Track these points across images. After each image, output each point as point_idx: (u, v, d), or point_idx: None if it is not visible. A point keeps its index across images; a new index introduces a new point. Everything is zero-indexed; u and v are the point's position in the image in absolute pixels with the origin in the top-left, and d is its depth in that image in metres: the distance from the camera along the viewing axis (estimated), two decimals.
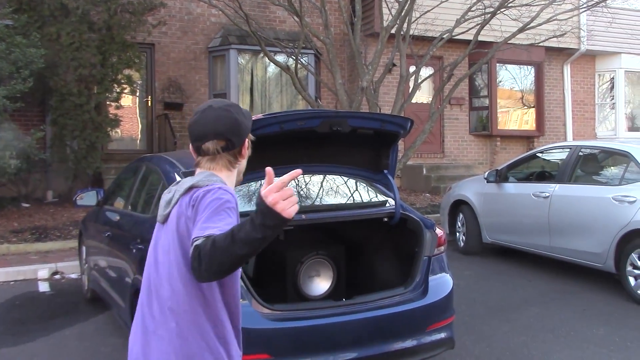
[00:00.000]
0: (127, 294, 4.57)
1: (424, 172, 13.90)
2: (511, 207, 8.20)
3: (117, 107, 11.45)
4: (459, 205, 9.16)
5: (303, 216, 4.01)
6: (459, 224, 9.17)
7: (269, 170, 1.80)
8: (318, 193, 4.59)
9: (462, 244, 9.05)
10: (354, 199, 4.65)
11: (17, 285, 7.54)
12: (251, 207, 4.24)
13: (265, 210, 1.73)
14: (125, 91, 11.49)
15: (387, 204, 4.50)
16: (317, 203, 4.47)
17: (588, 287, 7.11)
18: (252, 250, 1.78)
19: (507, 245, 8.32)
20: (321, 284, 4.50)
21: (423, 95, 14.51)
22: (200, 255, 1.80)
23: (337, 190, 4.67)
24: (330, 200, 4.58)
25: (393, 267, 4.52)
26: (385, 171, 4.42)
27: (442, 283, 4.21)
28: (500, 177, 8.51)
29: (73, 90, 10.48)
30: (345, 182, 4.71)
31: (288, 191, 1.76)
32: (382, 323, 3.85)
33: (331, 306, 3.81)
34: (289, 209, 1.74)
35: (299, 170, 1.85)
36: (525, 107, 15.99)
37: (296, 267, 4.38)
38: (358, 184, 4.73)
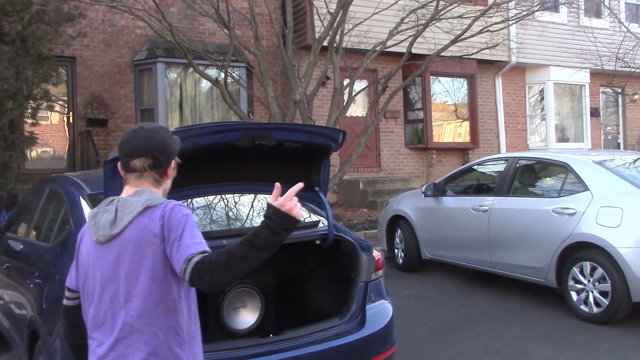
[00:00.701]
0: (25, 335, 3.99)
1: (361, 186, 13.61)
2: (450, 222, 7.95)
3: (34, 124, 10.66)
4: (397, 221, 8.87)
5: (224, 242, 3.55)
6: (398, 240, 8.88)
7: (277, 185, 2.22)
8: (242, 215, 4.14)
9: (400, 260, 8.76)
10: None
11: None
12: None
13: (284, 217, 2.09)
14: (42, 107, 10.71)
15: (320, 225, 4.10)
16: (239, 226, 4.01)
17: (530, 303, 6.89)
18: (269, 253, 2.12)
19: (446, 261, 8.06)
20: (247, 317, 4.04)
21: (358, 109, 14.27)
22: (211, 267, 2.03)
23: (263, 210, 4.23)
24: (256, 222, 4.13)
25: (327, 295, 4.11)
26: (317, 188, 4.02)
27: (380, 311, 3.83)
28: (438, 190, 8.27)
29: None
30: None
31: (295, 200, 2.16)
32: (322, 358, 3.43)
33: (256, 344, 3.37)
34: (298, 213, 2.14)
35: (301, 184, 2.27)
36: (460, 119, 15.98)
37: (219, 299, 3.92)
38: None
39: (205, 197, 3.94)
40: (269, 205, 2.12)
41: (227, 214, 4.03)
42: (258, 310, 4.07)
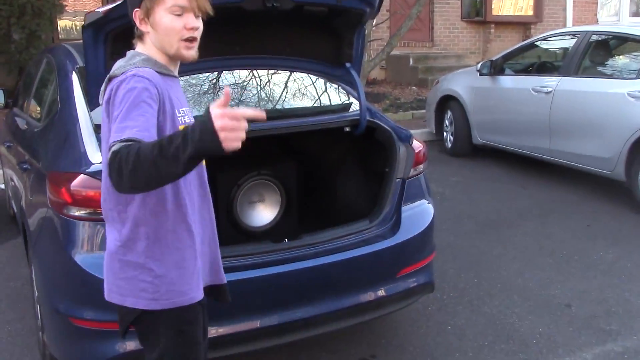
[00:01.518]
0: (19, 224, 3.59)
1: (411, 62, 12.67)
2: (507, 104, 7.14)
3: None
4: (448, 101, 8.09)
5: None
6: (447, 122, 8.15)
7: (227, 90, 1.61)
8: (257, 95, 3.49)
9: (449, 144, 8.07)
10: (305, 102, 3.57)
11: None
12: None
13: (207, 131, 1.53)
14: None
15: (351, 109, 3.44)
16: (255, 108, 3.38)
17: (592, 197, 6.18)
18: (183, 170, 1.60)
19: (500, 147, 7.33)
20: (265, 213, 3.51)
21: None
22: (122, 164, 1.59)
23: (283, 90, 3.56)
24: (273, 104, 3.49)
25: (358, 192, 3.52)
26: (348, 65, 3.32)
27: (419, 213, 3.23)
28: (495, 69, 7.40)
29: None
30: (294, 80, 3.60)
31: (241, 124, 1.55)
32: (337, 271, 2.90)
33: (268, 250, 2.83)
34: (231, 142, 1.54)
35: (263, 115, 1.65)
36: None
37: (231, 192, 3.38)
38: (311, 82, 3.61)
39: (206, 74, 3.29)
40: (206, 109, 1.58)
41: (233, 93, 3.38)
42: (278, 206, 3.54)
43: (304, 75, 3.54)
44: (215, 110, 1.54)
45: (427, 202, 3.33)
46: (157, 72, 1.88)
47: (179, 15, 1.88)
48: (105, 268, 1.99)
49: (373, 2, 3.00)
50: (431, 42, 13.77)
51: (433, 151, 8.19)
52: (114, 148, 1.63)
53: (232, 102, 3.31)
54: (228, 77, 3.42)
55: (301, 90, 3.57)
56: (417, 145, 3.30)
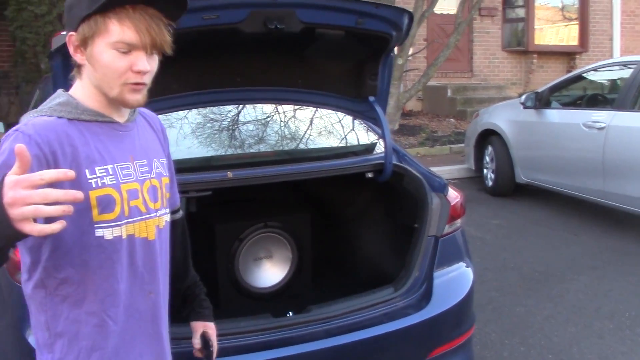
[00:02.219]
0: None
1: (449, 93, 12.12)
2: (554, 140, 6.50)
3: None
4: (488, 136, 7.49)
5: (229, 173, 2.44)
6: (488, 158, 7.53)
7: (19, 148, 1.09)
8: (262, 134, 2.97)
9: (490, 182, 7.44)
10: (320, 142, 3.05)
11: None
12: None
13: None
14: None
15: (374, 151, 2.90)
16: (257, 150, 2.87)
17: None
18: None
19: (547, 187, 6.68)
20: (272, 271, 3.00)
21: (449, 4, 12.51)
22: None
23: (294, 128, 3.05)
24: (282, 144, 2.98)
25: (380, 252, 2.97)
26: (372, 98, 2.79)
27: (455, 280, 2.65)
28: (541, 101, 6.79)
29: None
30: (307, 116, 3.09)
31: (41, 195, 1.08)
32: (354, 355, 2.33)
33: (268, 328, 2.28)
34: (26, 225, 1.08)
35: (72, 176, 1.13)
36: (567, 19, 13.89)
37: (232, 246, 2.86)
38: (327, 118, 3.10)
39: (199, 109, 2.80)
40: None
41: (231, 132, 2.88)
42: (288, 264, 3.01)
43: (319, 110, 3.02)
44: (8, 179, 1.09)
45: (465, 264, 2.75)
46: (85, 120, 1.41)
47: (124, 52, 1.38)
48: None
49: (400, 24, 2.47)
50: (470, 73, 13.20)
51: (472, 190, 7.60)
52: None
53: (233, 143, 2.81)
54: (227, 113, 2.92)
55: (315, 128, 3.06)
56: (453, 195, 2.74)
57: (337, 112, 3.00)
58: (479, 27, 13.07)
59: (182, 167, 2.19)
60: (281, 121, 3.02)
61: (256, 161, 2.68)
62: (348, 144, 3.04)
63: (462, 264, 2.73)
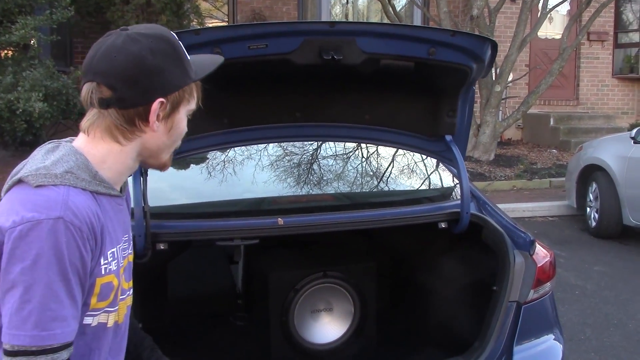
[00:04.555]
0: None
1: (552, 122, 11.42)
2: None
3: None
4: (593, 172, 6.87)
5: (280, 220, 2.17)
6: (591, 196, 6.90)
7: None
8: (324, 175, 2.68)
9: (593, 223, 6.79)
10: (388, 186, 2.72)
11: None
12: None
13: None
14: (193, 23, 9.94)
15: (451, 198, 2.55)
16: (314, 193, 2.58)
17: None
18: None
19: None
20: (331, 327, 2.68)
21: (554, 28, 11.86)
22: None
23: (359, 170, 2.74)
24: (346, 187, 2.68)
25: (452, 314, 2.59)
26: (449, 138, 2.44)
27: (541, 355, 2.24)
28: None
29: (130, 22, 9.05)
30: (374, 157, 2.77)
31: None
32: None
33: None
34: None
35: None
36: None
37: (287, 297, 2.58)
38: (397, 160, 2.77)
39: (247, 147, 2.55)
40: None
41: (287, 172, 2.61)
42: (349, 319, 2.69)
43: (388, 150, 2.70)
44: None
45: (553, 337, 2.33)
46: (96, 192, 1.24)
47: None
48: None
49: (481, 54, 2.13)
50: (576, 101, 12.42)
51: (572, 230, 6.99)
52: None
53: (288, 184, 2.54)
54: (283, 151, 2.66)
55: (383, 169, 2.74)
56: (541, 254, 2.33)
57: (408, 152, 2.67)
58: (587, 52, 12.31)
59: (228, 210, 1.95)
60: (344, 161, 2.73)
61: (312, 206, 2.40)
62: (420, 189, 2.71)
63: (549, 337, 2.31)
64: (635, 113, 12.50)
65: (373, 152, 2.77)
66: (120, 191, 1.32)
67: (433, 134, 2.47)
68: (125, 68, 1.21)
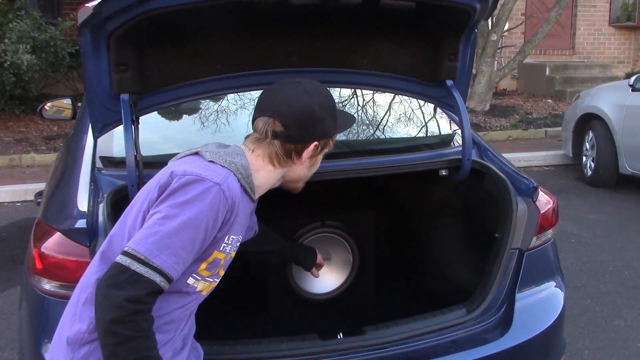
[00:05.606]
0: None
1: (547, 72, 11.31)
2: None
3: None
4: (589, 121, 6.82)
5: None
6: (587, 145, 6.87)
7: None
8: None
9: (589, 172, 6.79)
10: (387, 133, 2.66)
11: (20, 209, 6.24)
12: None
13: None
14: None
15: (451, 145, 2.49)
16: None
17: None
18: None
19: None
20: (330, 276, 2.65)
21: None
22: (114, 328, 1.31)
23: (357, 117, 2.67)
24: (339, 135, 2.60)
25: (454, 261, 2.56)
26: (450, 82, 2.37)
27: (542, 303, 2.22)
28: None
29: None
30: (372, 103, 2.70)
31: None
32: None
33: (312, 353, 1.95)
34: None
35: None
36: None
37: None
38: (396, 105, 2.69)
39: (241, 94, 2.47)
40: None
41: None
42: (348, 268, 2.67)
43: (387, 95, 2.62)
44: None
45: (555, 284, 2.31)
46: (246, 192, 1.59)
47: None
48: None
49: None
50: (572, 50, 12.28)
51: (568, 179, 6.98)
52: (119, 260, 1.35)
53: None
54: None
55: (381, 116, 2.67)
56: (544, 201, 2.29)
57: (407, 99, 2.60)
58: (584, 0, 12.10)
59: None
60: (341, 108, 2.65)
61: None
62: (419, 136, 2.64)
63: (551, 284, 2.29)
64: (632, 62, 12.39)
65: (371, 99, 2.69)
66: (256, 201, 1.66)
67: (433, 79, 2.39)
68: (300, 114, 1.60)
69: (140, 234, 1.38)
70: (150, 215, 1.42)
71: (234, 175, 1.51)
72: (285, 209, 2.62)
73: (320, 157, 1.71)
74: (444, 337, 2.05)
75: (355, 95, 2.69)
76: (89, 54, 1.93)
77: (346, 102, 2.68)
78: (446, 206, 2.64)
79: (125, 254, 1.36)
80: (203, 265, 1.49)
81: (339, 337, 2.07)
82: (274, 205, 2.61)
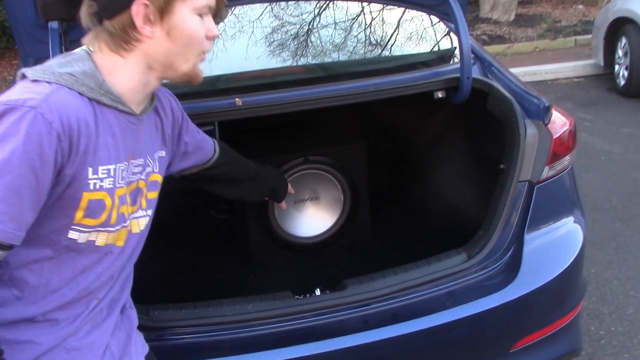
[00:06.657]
0: None
1: None
2: None
3: None
4: (622, 25, 6.27)
5: (237, 100, 1.79)
6: (620, 52, 6.36)
7: None
8: (303, 40, 2.23)
9: (622, 81, 6.30)
10: (375, 51, 2.29)
11: None
12: None
13: None
14: None
15: (450, 61, 2.12)
16: (282, 65, 2.15)
17: None
18: None
19: None
20: (319, 217, 2.37)
21: None
22: None
23: (342, 32, 2.30)
24: (326, 55, 2.24)
25: (454, 197, 2.25)
26: None
27: (557, 244, 1.90)
28: None
29: None
30: (358, 14, 2.32)
31: None
32: (401, 353, 1.69)
33: (286, 314, 1.68)
34: None
35: None
36: None
37: None
38: (385, 16, 2.31)
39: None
40: None
41: (252, 41, 2.15)
42: (339, 207, 2.37)
43: (375, 6, 2.24)
44: None
45: (573, 219, 1.97)
46: (103, 104, 1.20)
47: (200, 17, 1.26)
48: None
49: None
50: None
51: (599, 90, 6.49)
52: None
53: (252, 56, 2.12)
54: (251, 17, 2.21)
55: (370, 30, 2.28)
56: (558, 123, 1.93)
57: (398, 8, 2.21)
58: None
59: (180, 92, 1.58)
60: (326, 21, 2.27)
61: (281, 81, 2.00)
62: (413, 53, 2.27)
63: (568, 220, 1.95)
64: None
65: (352, 9, 2.31)
66: (141, 113, 1.28)
67: None
68: None
69: None
70: None
71: (69, 88, 1.14)
72: (263, 143, 2.32)
73: (184, 16, 1.23)
74: (439, 289, 1.76)
75: (334, 7, 2.31)
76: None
77: (324, 15, 2.29)
78: (446, 134, 2.30)
79: None
80: (79, 214, 1.17)
81: (316, 293, 1.79)
82: (249, 140, 2.31)
